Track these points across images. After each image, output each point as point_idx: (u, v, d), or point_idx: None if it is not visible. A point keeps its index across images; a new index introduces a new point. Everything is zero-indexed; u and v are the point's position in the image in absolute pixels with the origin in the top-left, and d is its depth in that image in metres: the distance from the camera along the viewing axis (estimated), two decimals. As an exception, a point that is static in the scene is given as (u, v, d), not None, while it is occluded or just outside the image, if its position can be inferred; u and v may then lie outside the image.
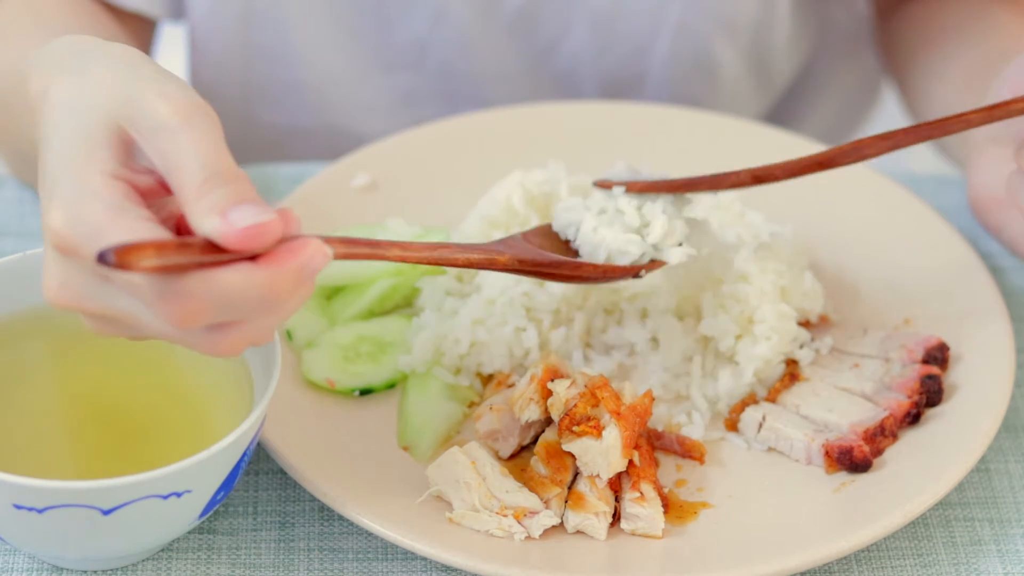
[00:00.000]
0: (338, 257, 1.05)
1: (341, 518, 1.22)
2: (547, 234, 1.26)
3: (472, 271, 1.34)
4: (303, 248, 1.00)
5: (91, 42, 1.09)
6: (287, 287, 0.99)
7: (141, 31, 1.58)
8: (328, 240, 1.04)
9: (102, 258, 0.95)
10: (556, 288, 1.30)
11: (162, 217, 1.04)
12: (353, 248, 1.06)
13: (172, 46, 1.83)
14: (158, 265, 0.96)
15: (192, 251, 0.97)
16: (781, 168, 1.25)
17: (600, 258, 1.23)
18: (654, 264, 1.24)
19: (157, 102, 1.01)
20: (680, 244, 1.25)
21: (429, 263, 1.12)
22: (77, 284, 1.01)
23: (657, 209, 1.25)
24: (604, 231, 1.23)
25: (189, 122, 1.01)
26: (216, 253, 0.98)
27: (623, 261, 1.23)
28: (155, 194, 1.04)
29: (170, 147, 1.00)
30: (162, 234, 0.99)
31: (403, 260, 1.10)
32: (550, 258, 1.21)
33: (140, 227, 0.98)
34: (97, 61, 1.06)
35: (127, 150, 1.03)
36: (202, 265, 0.98)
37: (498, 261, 1.17)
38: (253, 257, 0.99)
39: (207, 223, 0.98)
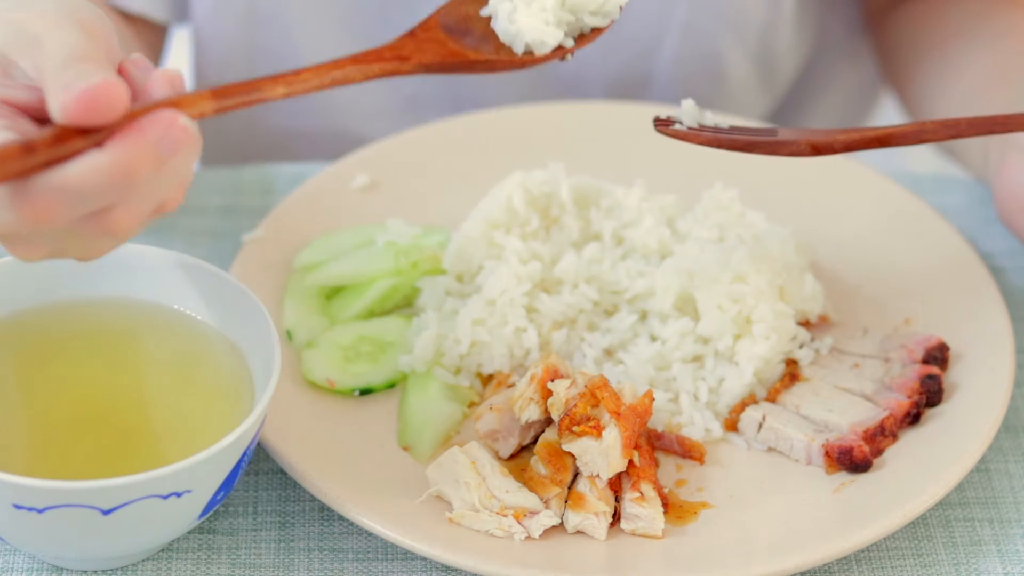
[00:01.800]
0: (210, 115, 1.00)
1: (341, 518, 1.22)
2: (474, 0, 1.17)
3: (473, 271, 1.34)
4: (153, 126, 0.97)
5: None
6: (141, 165, 0.97)
7: (150, 35, 1.58)
8: (196, 97, 0.99)
9: None
10: (559, 298, 1.30)
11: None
12: (226, 100, 1.01)
13: (177, 47, 1.83)
14: None
15: (38, 150, 0.95)
16: (841, 141, 1.22)
17: (519, 48, 1.15)
18: (583, 40, 1.16)
19: (35, 22, 1.01)
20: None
21: (325, 88, 1.06)
22: None
23: None
24: (522, 17, 1.14)
25: (59, 28, 1.00)
26: (65, 142, 0.95)
27: (543, 51, 1.15)
28: (37, 109, 1.02)
29: (39, 54, 1.00)
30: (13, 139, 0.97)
31: (292, 95, 1.04)
32: (459, 57, 1.13)
33: None
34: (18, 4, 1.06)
35: (3, 70, 1.03)
36: (49, 163, 0.95)
37: (402, 70, 1.11)
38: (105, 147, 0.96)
39: (55, 101, 0.96)
